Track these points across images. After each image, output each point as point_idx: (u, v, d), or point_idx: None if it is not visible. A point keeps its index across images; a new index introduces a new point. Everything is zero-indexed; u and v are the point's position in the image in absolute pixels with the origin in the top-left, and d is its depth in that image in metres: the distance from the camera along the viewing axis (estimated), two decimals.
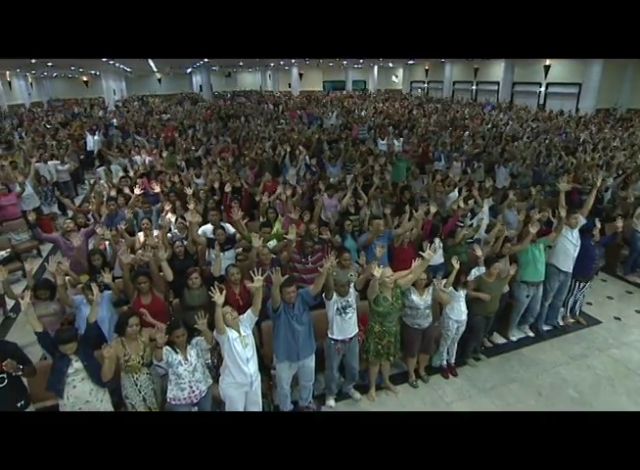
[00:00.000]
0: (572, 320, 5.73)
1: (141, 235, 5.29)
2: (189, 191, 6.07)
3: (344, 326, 3.96)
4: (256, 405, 3.70)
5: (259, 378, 3.63)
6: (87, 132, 13.29)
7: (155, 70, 34.48)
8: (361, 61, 31.81)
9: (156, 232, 5.28)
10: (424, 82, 33.68)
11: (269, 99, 27.15)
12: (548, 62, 20.95)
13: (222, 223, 5.48)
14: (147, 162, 9.14)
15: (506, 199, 6.31)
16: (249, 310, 3.55)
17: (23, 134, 14.02)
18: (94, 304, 3.53)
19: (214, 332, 3.36)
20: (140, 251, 4.26)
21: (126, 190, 6.74)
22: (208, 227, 5.45)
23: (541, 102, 22.11)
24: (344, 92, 32.85)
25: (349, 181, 7.39)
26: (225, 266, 4.44)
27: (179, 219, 5.63)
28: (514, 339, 5.38)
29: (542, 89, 22.12)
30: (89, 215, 5.94)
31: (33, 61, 18.63)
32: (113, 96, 26.88)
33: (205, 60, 24.76)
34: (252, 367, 3.47)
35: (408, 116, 18.07)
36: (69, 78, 36.53)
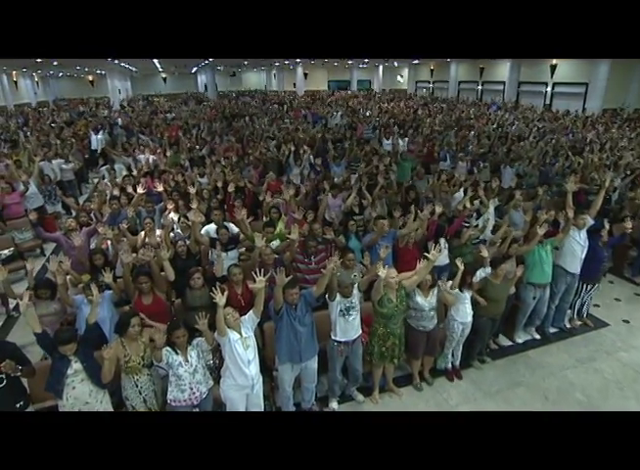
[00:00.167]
0: (580, 323, 5.64)
1: (143, 234, 5.25)
2: (192, 190, 6.03)
3: (348, 328, 3.91)
4: (258, 408, 3.65)
5: (261, 380, 3.58)
6: (91, 131, 13.30)
7: (160, 69, 34.59)
8: (366, 60, 31.72)
9: (158, 232, 5.24)
10: (429, 82, 33.55)
11: (274, 98, 27.12)
12: (555, 61, 20.77)
13: (226, 223, 5.44)
14: (151, 161, 9.12)
15: (512, 199, 6.24)
16: (250, 312, 3.50)
17: (29, 133, 14.06)
18: (93, 304, 3.49)
19: (215, 333, 3.31)
20: (141, 250, 4.20)
21: (129, 189, 6.70)
22: (212, 227, 5.40)
23: (547, 102, 21.94)
24: (349, 92, 32.77)
25: (354, 181, 7.34)
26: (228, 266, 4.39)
27: (182, 219, 5.59)
28: (520, 341, 5.30)
29: (548, 89, 21.95)
30: (91, 214, 5.91)
31: (39, 60, 18.71)
32: (118, 95, 26.96)
33: (210, 59, 24.76)
34: (254, 369, 3.43)
35: (413, 115, 17.99)
36: (75, 78, 36.73)
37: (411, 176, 8.62)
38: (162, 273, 4.27)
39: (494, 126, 14.70)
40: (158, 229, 5.38)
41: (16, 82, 28.47)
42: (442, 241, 5.14)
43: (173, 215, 5.67)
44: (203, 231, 5.25)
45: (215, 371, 3.76)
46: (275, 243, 5.18)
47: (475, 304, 4.52)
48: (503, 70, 24.37)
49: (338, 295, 3.84)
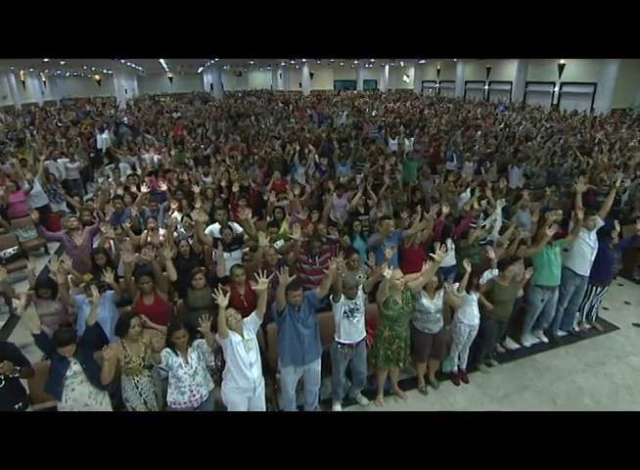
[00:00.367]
0: (588, 326, 5.54)
1: (146, 234, 5.20)
2: (196, 189, 5.99)
3: (352, 330, 3.84)
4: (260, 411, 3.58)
5: (263, 383, 3.52)
6: (97, 130, 13.32)
7: (166, 69, 34.64)
8: (372, 60, 31.62)
9: (162, 231, 5.20)
10: (435, 82, 33.40)
11: (279, 98, 27.09)
12: (562, 61, 20.58)
13: (230, 223, 5.38)
14: (155, 160, 9.10)
15: (519, 200, 6.14)
16: (253, 313, 3.43)
17: (35, 132, 14.10)
18: (93, 306, 3.44)
19: (216, 335, 3.25)
20: (143, 250, 4.16)
21: (133, 188, 6.68)
22: (216, 226, 5.35)
23: (555, 102, 21.75)
24: (355, 92, 32.68)
25: (359, 181, 7.28)
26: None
27: (185, 218, 5.55)
28: (527, 344, 5.21)
29: (556, 89, 21.76)
30: (94, 213, 5.88)
31: (46, 60, 18.78)
32: (124, 95, 27.04)
33: (216, 59, 24.78)
34: (256, 372, 3.36)
35: (419, 115, 17.88)
36: (82, 77, 36.91)
37: (417, 176, 8.54)
38: (165, 273, 4.22)
39: (501, 126, 14.57)
40: (161, 229, 5.34)
41: (23, 82, 28.62)
42: (449, 242, 5.06)
43: (177, 215, 5.63)
44: (206, 231, 5.21)
45: (217, 373, 3.71)
46: (279, 243, 5.12)
47: (481, 306, 4.44)
48: (510, 69, 24.19)
49: (342, 296, 3.78)
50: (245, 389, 3.36)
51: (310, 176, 8.12)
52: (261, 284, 3.33)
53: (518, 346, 5.21)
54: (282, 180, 7.62)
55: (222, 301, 3.16)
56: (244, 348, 3.28)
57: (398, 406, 4.29)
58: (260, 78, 42.52)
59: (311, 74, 32.81)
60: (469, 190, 6.92)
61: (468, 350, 4.61)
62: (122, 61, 21.84)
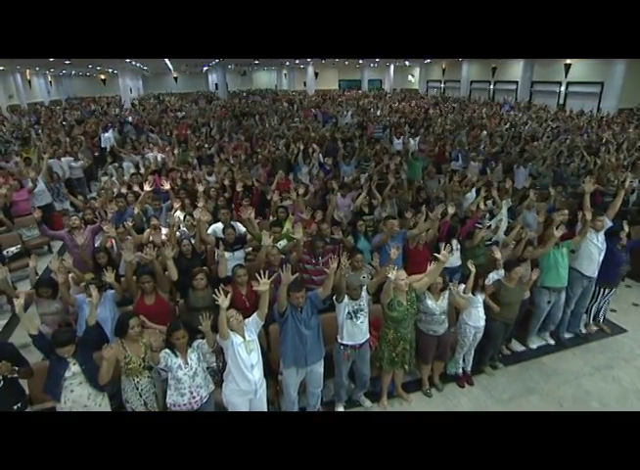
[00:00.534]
0: (596, 328, 5.46)
1: (148, 233, 5.16)
2: (201, 188, 5.96)
3: (355, 331, 3.78)
4: None
5: (264, 385, 3.46)
6: (101, 129, 13.33)
7: (171, 68, 34.68)
8: (377, 60, 31.53)
9: (165, 230, 5.16)
10: (441, 82, 33.24)
11: (284, 97, 27.05)
12: (569, 60, 20.41)
13: (233, 222, 5.34)
14: (159, 159, 9.08)
15: (525, 200, 6.06)
16: (254, 315, 3.38)
17: (40, 131, 14.13)
18: (91, 306, 3.39)
19: (217, 336, 3.20)
20: (145, 249, 4.11)
21: (136, 188, 6.65)
22: (219, 226, 5.30)
23: (561, 101, 21.58)
24: (359, 91, 32.59)
25: (363, 180, 7.22)
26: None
27: (187, 217, 5.51)
28: (533, 347, 5.13)
29: (562, 88, 21.58)
30: (97, 212, 5.86)
31: (52, 59, 18.84)
32: (129, 94, 27.07)
33: (221, 59, 24.77)
34: (257, 374, 3.31)
35: (424, 115, 17.79)
36: (88, 77, 37.07)
37: (422, 176, 8.47)
38: (166, 273, 4.18)
39: (507, 126, 14.46)
40: (164, 228, 5.30)
41: (29, 81, 28.75)
42: (454, 242, 5.00)
43: (179, 214, 5.59)
44: (209, 230, 5.16)
45: (219, 374, 3.66)
46: (282, 243, 5.06)
47: (487, 307, 4.37)
48: (516, 69, 24.04)
49: (346, 297, 3.72)
50: (246, 391, 3.30)
51: (314, 176, 8.08)
52: (263, 285, 3.28)
53: (524, 348, 5.13)
54: (286, 180, 7.58)
55: (223, 301, 3.11)
56: (245, 349, 3.23)
57: (402, 409, 4.23)
58: (265, 78, 42.51)
59: (316, 74, 32.76)
60: (474, 190, 6.84)
61: (473, 352, 4.54)
62: (128, 60, 21.86)
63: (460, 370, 4.60)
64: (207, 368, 3.54)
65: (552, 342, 5.20)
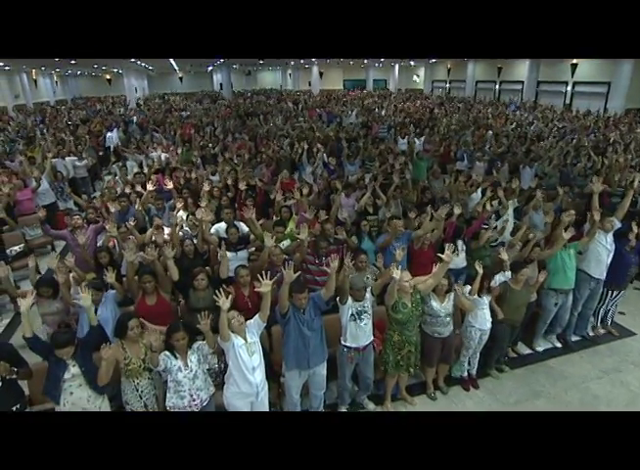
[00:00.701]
0: (604, 331, 5.38)
1: (150, 232, 5.12)
2: (206, 187, 5.91)
3: (359, 333, 3.72)
4: None
5: (266, 387, 3.40)
6: (105, 129, 13.35)
7: (176, 68, 34.73)
8: (382, 60, 31.43)
9: (167, 230, 5.12)
10: (446, 82, 33.08)
11: (289, 97, 27.01)
12: (575, 60, 20.24)
13: (236, 222, 5.29)
14: (163, 158, 9.06)
15: (531, 200, 5.99)
16: (256, 316, 3.32)
17: (45, 130, 14.16)
18: (88, 308, 3.32)
19: (218, 338, 3.15)
20: (147, 249, 4.07)
21: (139, 188, 6.62)
22: (222, 225, 5.26)
23: (567, 101, 21.41)
24: (364, 91, 32.50)
25: (368, 180, 7.16)
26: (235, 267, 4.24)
27: (190, 217, 5.47)
28: (540, 349, 5.06)
29: (569, 88, 21.40)
30: (99, 212, 5.83)
31: (57, 59, 18.88)
32: (134, 94, 27.09)
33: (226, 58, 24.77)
34: (259, 376, 3.25)
35: (429, 114, 17.70)
36: (93, 77, 37.19)
37: (427, 176, 8.40)
38: (168, 273, 4.13)
39: (513, 126, 14.35)
40: (166, 227, 5.26)
41: (35, 81, 28.86)
42: (460, 243, 4.93)
43: (182, 213, 5.55)
44: (212, 230, 5.12)
45: (220, 375, 3.61)
46: (285, 243, 5.01)
47: (492, 310, 4.30)
48: (522, 69, 23.85)
49: (349, 298, 3.66)
50: (247, 393, 3.25)
51: (318, 176, 8.03)
52: (265, 286, 3.23)
53: (530, 351, 5.06)
54: (290, 179, 7.53)
55: (224, 303, 3.05)
56: (246, 351, 3.18)
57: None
58: (270, 78, 42.46)
59: (321, 74, 32.68)
60: (479, 190, 6.78)
61: (478, 354, 4.47)
62: (133, 60, 21.89)
63: (465, 373, 4.54)
64: (209, 369, 3.50)
65: (559, 345, 5.13)
